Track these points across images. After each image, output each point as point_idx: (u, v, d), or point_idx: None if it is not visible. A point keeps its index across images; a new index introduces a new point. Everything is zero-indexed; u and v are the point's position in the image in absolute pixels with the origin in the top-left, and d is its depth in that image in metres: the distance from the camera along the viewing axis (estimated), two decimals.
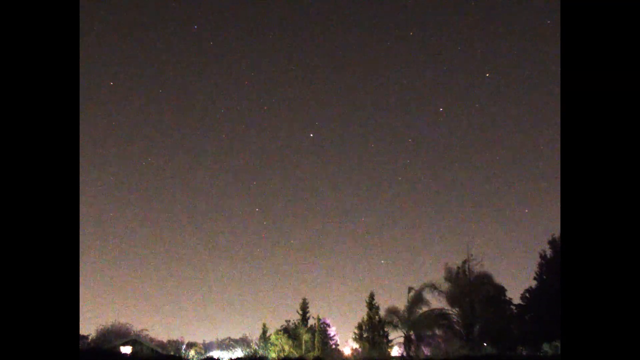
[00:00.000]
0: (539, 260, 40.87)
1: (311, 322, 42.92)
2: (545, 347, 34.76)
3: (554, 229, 47.26)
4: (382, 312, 41.10)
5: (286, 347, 41.00)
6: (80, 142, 7.10)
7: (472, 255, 40.32)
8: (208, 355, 43.52)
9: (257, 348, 42.72)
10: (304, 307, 43.38)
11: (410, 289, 40.22)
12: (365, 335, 40.57)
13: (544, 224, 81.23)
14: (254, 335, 45.09)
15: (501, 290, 40.88)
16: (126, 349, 37.31)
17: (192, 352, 43.22)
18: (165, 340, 47.75)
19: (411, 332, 39.98)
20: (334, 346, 43.62)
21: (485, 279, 39.85)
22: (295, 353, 40.40)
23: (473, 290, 39.28)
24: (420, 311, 39.92)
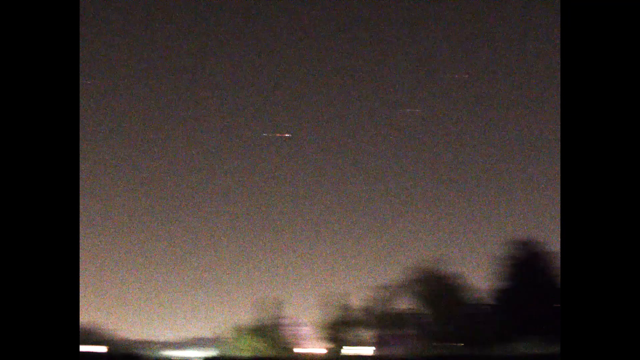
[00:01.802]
0: (509, 260, 41.35)
1: (281, 321, 42.73)
2: (516, 346, 35.26)
3: (525, 229, 47.91)
4: (353, 312, 41.22)
5: (256, 346, 40.72)
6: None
7: (443, 255, 40.75)
8: (178, 354, 43.04)
9: (227, 347, 42.35)
10: (275, 306, 43.20)
11: (380, 288, 40.36)
12: (335, 334, 40.61)
13: (514, 224, 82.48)
14: (224, 334, 44.66)
15: (472, 290, 41.33)
16: (96, 349, 36.70)
17: (161, 351, 42.62)
18: (135, 339, 47.00)
19: (382, 332, 40.13)
20: (304, 345, 43.48)
21: (456, 279, 40.28)
22: (265, 352, 40.18)
23: (444, 290, 39.62)
24: (391, 311, 40.09)
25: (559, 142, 6.67)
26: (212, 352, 43.61)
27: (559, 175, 6.57)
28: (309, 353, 42.84)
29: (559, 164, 6.53)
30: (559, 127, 6.63)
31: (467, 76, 71.94)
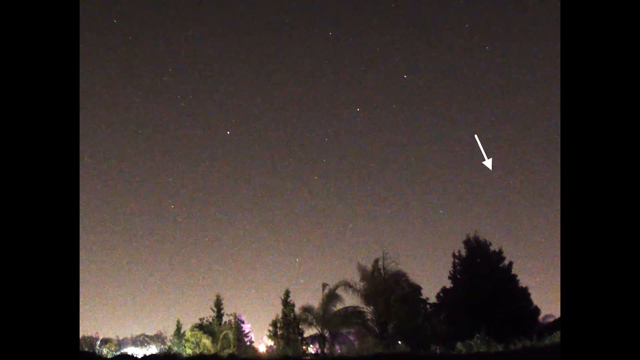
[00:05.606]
0: (453, 260, 41.24)
1: (226, 318, 42.57)
2: (459, 346, 35.03)
3: (469, 228, 47.96)
4: (297, 310, 41.12)
5: (202, 342, 40.46)
6: None
7: (387, 253, 40.57)
8: (122, 351, 42.65)
9: (172, 345, 42.06)
10: (219, 304, 42.97)
11: (324, 286, 40.21)
12: (280, 332, 40.47)
13: (460, 223, 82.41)
14: (169, 331, 44.45)
15: (416, 289, 41.14)
16: None
17: (105, 350, 42.24)
18: (79, 336, 46.55)
19: (325, 330, 39.98)
20: (248, 343, 43.30)
21: (400, 278, 40.11)
22: (210, 350, 39.87)
23: (388, 288, 39.45)
24: (335, 309, 39.94)
25: (560, 142, 6.77)
26: (155, 349, 43.36)
27: (559, 174, 6.63)
28: (254, 350, 42.63)
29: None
30: (559, 127, 6.71)
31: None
